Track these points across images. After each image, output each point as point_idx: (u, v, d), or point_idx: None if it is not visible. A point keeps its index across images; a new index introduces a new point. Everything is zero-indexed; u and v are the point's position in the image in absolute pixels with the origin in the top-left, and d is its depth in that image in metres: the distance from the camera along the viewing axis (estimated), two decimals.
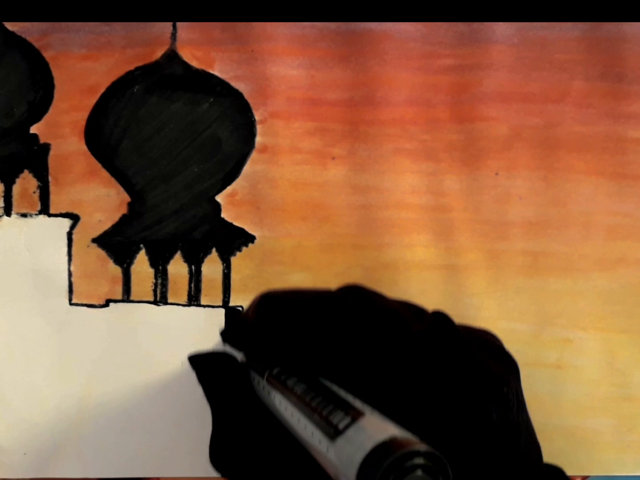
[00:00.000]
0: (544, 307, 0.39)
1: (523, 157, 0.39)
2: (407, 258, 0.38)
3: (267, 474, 0.25)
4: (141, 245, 0.38)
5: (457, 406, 0.25)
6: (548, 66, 0.39)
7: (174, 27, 0.38)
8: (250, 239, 0.38)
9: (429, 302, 0.38)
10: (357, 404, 0.23)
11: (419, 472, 0.20)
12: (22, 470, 0.38)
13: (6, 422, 0.38)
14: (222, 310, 0.38)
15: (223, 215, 0.38)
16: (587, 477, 0.39)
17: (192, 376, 0.38)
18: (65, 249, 0.38)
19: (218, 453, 0.27)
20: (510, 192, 0.39)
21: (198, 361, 0.28)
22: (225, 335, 0.28)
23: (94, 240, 0.38)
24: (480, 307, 0.39)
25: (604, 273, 0.39)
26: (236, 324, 0.29)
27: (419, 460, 0.20)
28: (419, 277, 0.38)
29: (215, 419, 0.28)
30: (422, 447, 0.20)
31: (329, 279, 0.38)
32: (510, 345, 0.38)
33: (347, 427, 0.22)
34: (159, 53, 0.38)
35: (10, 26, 0.38)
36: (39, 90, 0.38)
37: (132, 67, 0.38)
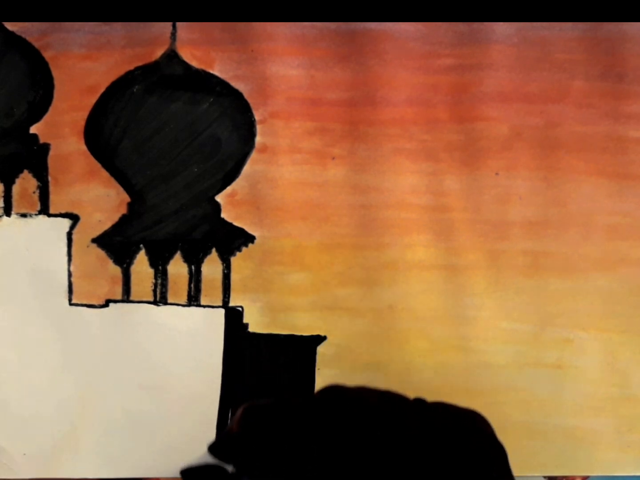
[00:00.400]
0: (544, 307, 0.39)
1: (523, 157, 0.39)
2: (407, 258, 0.38)
3: None
4: (141, 246, 0.38)
5: None
6: (548, 66, 0.39)
7: (174, 27, 0.38)
8: (250, 239, 0.38)
9: (429, 302, 0.38)
10: None
11: None
12: (22, 470, 0.38)
13: (6, 423, 0.38)
14: (222, 311, 0.38)
15: (223, 215, 0.38)
16: (588, 477, 0.39)
17: (192, 375, 0.38)
18: (65, 249, 0.38)
19: None
20: (510, 192, 0.39)
21: (190, 476, 0.29)
22: (213, 449, 0.29)
23: (94, 241, 0.38)
24: (480, 307, 0.39)
25: (604, 273, 0.39)
26: (222, 437, 0.30)
27: None
28: (419, 277, 0.38)
29: None
30: None
31: (329, 279, 0.38)
32: (510, 346, 0.39)
33: None
34: (158, 53, 0.38)
35: (10, 26, 0.38)
36: (39, 90, 0.38)
37: (131, 67, 0.38)
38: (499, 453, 0.28)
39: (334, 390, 0.29)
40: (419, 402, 0.28)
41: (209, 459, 0.29)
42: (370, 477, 0.26)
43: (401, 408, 0.28)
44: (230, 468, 0.30)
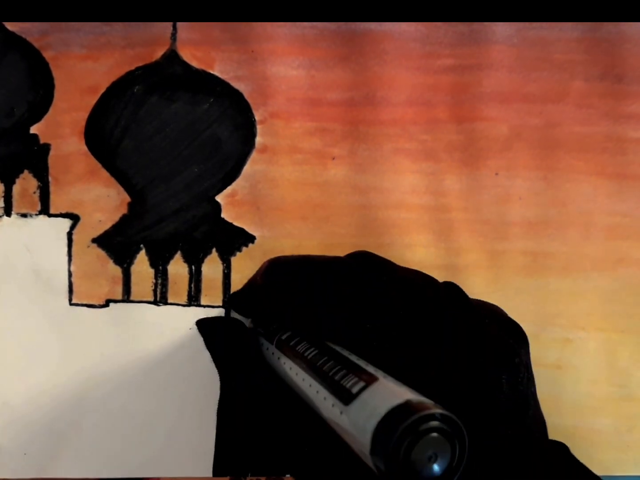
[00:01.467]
0: (544, 307, 0.39)
1: (523, 157, 0.39)
2: (407, 258, 0.38)
3: (278, 439, 0.25)
4: (141, 246, 0.38)
5: (468, 375, 0.24)
6: (548, 66, 0.39)
7: (174, 27, 0.38)
8: (250, 239, 0.38)
9: None
10: (370, 368, 0.23)
11: (435, 435, 0.20)
12: (22, 470, 0.38)
13: (6, 422, 0.38)
14: (223, 310, 0.38)
15: (223, 215, 0.38)
16: None
17: (192, 375, 0.38)
18: (65, 249, 0.38)
19: (226, 419, 0.27)
20: (510, 192, 0.39)
21: (206, 326, 0.28)
22: (232, 301, 0.28)
23: (94, 241, 0.38)
24: None
25: (603, 273, 0.39)
26: (244, 290, 0.29)
27: (434, 423, 0.20)
28: None
29: (223, 384, 0.27)
30: (437, 410, 0.20)
31: None
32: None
33: (361, 391, 0.21)
34: (159, 53, 0.38)
35: (10, 26, 0.38)
36: (39, 90, 0.38)
37: (132, 67, 0.38)
38: (524, 337, 0.27)
39: (365, 255, 0.28)
40: (450, 283, 0.28)
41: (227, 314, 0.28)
42: (396, 343, 0.25)
43: (432, 282, 0.27)
44: (248, 323, 0.29)
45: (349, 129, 0.38)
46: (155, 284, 0.38)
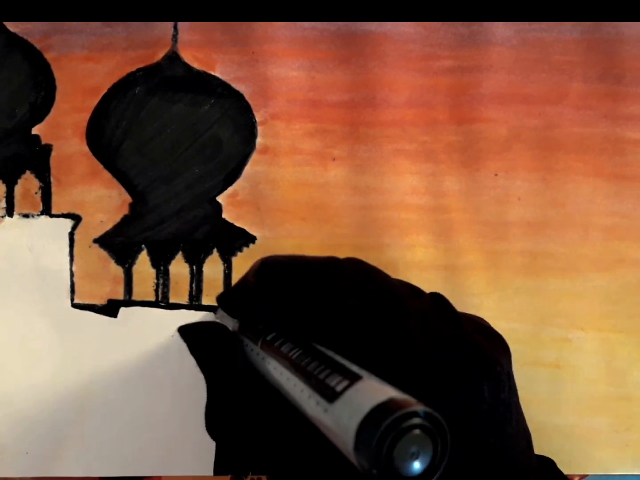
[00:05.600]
0: (543, 307, 0.39)
1: (522, 158, 0.39)
2: (407, 258, 0.39)
3: (264, 439, 0.25)
4: (143, 246, 0.38)
5: (450, 383, 0.25)
6: (547, 68, 0.39)
7: (175, 28, 0.38)
8: (251, 239, 0.38)
9: None
10: (355, 368, 0.23)
11: (418, 432, 0.20)
12: (24, 469, 0.38)
13: (8, 421, 0.38)
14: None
15: (224, 215, 0.38)
16: (586, 476, 0.40)
17: (193, 375, 0.38)
18: (67, 249, 0.38)
19: (214, 421, 0.27)
20: (509, 193, 0.39)
21: (188, 332, 0.28)
22: (222, 300, 0.28)
23: (96, 241, 0.38)
24: (480, 307, 0.39)
25: (602, 273, 0.39)
26: (234, 290, 0.29)
27: (417, 421, 0.20)
28: (418, 277, 0.39)
29: (209, 388, 0.27)
30: (420, 407, 0.20)
31: None
32: (509, 345, 0.39)
33: (345, 389, 0.22)
34: (160, 54, 0.38)
35: (12, 27, 0.38)
36: (41, 91, 0.38)
37: (133, 69, 0.38)
38: (506, 347, 0.28)
39: (355, 261, 0.28)
40: (435, 294, 0.28)
41: (210, 318, 0.28)
42: (381, 349, 0.25)
43: (418, 292, 0.28)
44: (233, 324, 0.29)
45: (349, 130, 0.39)
46: (157, 284, 0.38)
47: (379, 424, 0.19)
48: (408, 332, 0.25)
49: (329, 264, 0.27)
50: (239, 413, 0.26)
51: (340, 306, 0.25)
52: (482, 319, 0.30)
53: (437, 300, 0.28)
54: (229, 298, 0.28)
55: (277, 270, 0.27)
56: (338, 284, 0.26)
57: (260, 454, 0.25)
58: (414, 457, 0.20)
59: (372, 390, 0.21)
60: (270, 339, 0.26)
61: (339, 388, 0.22)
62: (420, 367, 0.25)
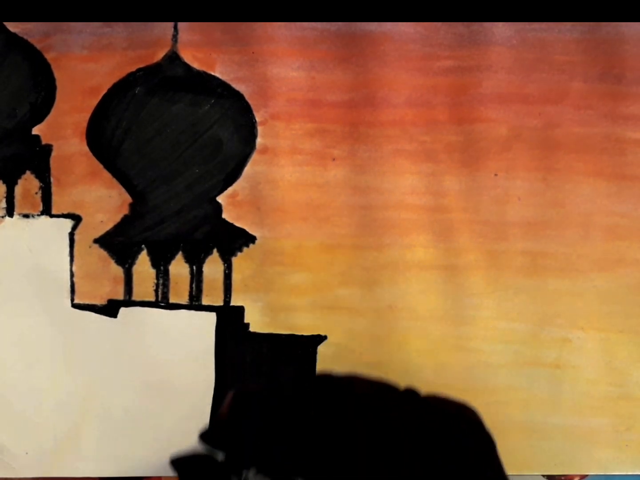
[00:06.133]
0: (543, 307, 0.39)
1: (522, 158, 0.39)
2: (407, 258, 0.39)
3: None
4: (143, 246, 0.38)
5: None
6: (547, 68, 0.39)
7: (175, 28, 0.38)
8: (251, 239, 0.38)
9: (429, 302, 0.39)
10: None
11: None
12: (24, 469, 0.38)
13: (8, 422, 0.38)
14: (223, 311, 0.38)
15: (224, 216, 0.39)
16: (586, 475, 0.40)
17: (193, 375, 0.38)
18: (67, 249, 0.38)
19: None
20: (509, 192, 0.39)
21: (180, 464, 0.29)
22: (205, 437, 0.29)
23: (96, 241, 0.38)
24: (480, 307, 0.39)
25: (602, 273, 0.39)
26: (213, 424, 0.30)
27: None
28: (419, 277, 0.39)
29: None
30: None
31: (329, 279, 0.38)
32: (509, 345, 0.39)
33: None
34: (160, 55, 0.38)
35: (12, 27, 0.38)
36: (41, 91, 0.38)
37: (133, 69, 0.38)
38: (488, 443, 0.28)
39: (325, 378, 0.29)
40: (410, 392, 0.29)
41: (201, 448, 0.29)
42: (360, 465, 0.26)
43: (391, 397, 0.28)
44: (221, 456, 0.30)
45: (349, 130, 0.39)
46: (157, 284, 0.38)
47: None
48: (384, 439, 0.26)
49: (298, 393, 0.29)
50: None
51: (311, 439, 0.26)
52: (468, 410, 0.30)
53: (410, 396, 0.29)
54: (209, 434, 0.29)
55: (248, 404, 0.28)
56: (308, 415, 0.27)
57: None
58: None
59: None
60: (253, 475, 0.27)
61: None
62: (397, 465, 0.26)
